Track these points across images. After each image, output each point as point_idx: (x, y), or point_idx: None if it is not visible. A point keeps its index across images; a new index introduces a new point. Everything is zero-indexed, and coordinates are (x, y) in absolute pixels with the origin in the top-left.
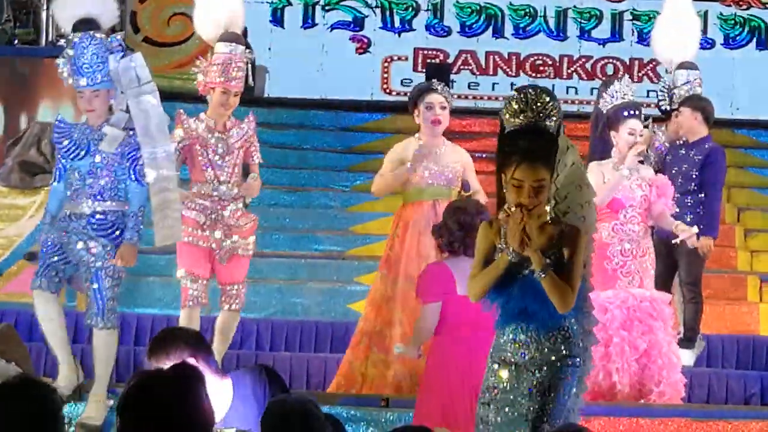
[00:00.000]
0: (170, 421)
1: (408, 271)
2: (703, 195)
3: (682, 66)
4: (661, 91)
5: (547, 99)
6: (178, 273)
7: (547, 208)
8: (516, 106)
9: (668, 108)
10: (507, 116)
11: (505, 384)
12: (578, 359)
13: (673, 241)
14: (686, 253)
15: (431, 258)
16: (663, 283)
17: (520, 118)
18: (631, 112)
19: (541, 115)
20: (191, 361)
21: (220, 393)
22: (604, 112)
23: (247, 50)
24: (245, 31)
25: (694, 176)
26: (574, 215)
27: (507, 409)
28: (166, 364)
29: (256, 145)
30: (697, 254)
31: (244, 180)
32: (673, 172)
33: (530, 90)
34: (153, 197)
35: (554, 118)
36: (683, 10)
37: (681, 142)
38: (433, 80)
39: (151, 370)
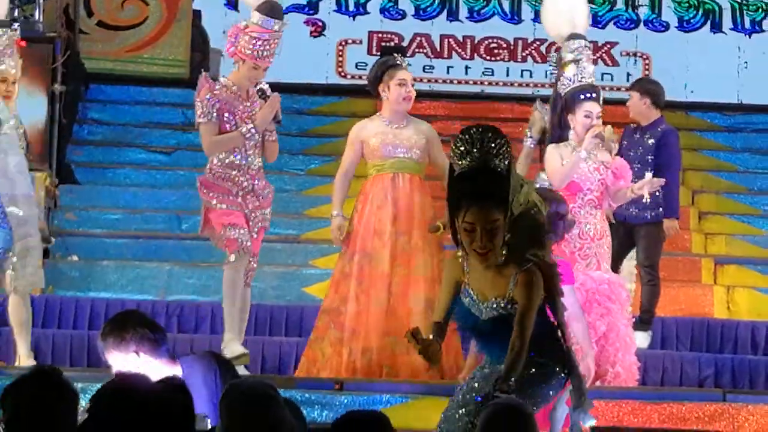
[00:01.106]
0: None
1: (364, 247)
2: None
3: (568, 37)
4: (551, 66)
5: (495, 138)
6: (219, 232)
7: (503, 251)
8: (462, 148)
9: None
10: (455, 158)
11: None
12: (553, 368)
13: (644, 199)
14: (645, 236)
15: (386, 234)
16: (613, 265)
17: (467, 159)
18: (588, 95)
19: (489, 154)
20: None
21: None
22: (562, 95)
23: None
24: (199, 14)
25: (649, 160)
26: (532, 254)
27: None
28: (120, 348)
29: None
30: (657, 237)
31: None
32: (630, 156)
33: (475, 130)
34: (16, 243)
35: (503, 157)
36: None
37: (634, 126)
38: (396, 56)
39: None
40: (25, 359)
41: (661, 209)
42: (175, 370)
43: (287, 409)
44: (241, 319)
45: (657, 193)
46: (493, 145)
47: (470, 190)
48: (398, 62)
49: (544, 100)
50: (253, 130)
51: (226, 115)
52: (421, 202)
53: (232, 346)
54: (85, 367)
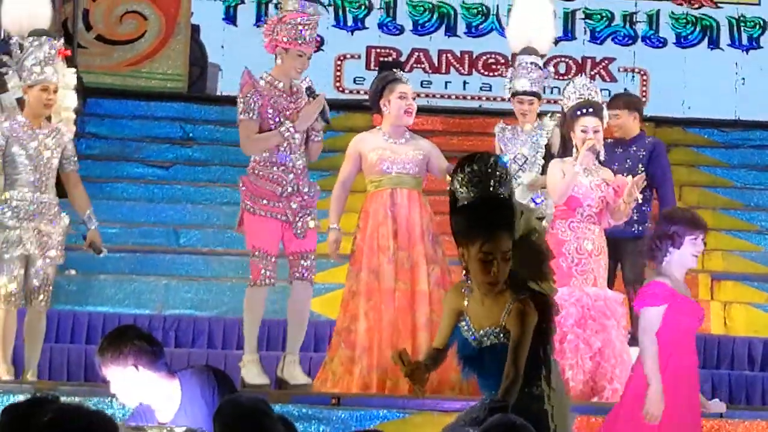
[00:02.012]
0: None
1: (370, 264)
2: (648, 191)
3: (522, 51)
4: (508, 80)
5: (497, 166)
6: (248, 246)
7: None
8: (468, 179)
9: (508, 97)
10: (459, 190)
11: None
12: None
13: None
14: (630, 252)
15: (390, 250)
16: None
17: (475, 190)
18: (584, 110)
19: (496, 184)
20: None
21: (168, 393)
22: (564, 112)
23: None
24: (198, 29)
25: (640, 172)
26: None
27: None
28: (118, 362)
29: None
30: (641, 253)
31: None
32: (614, 170)
33: (478, 160)
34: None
35: (507, 185)
36: (536, 5)
37: (612, 140)
38: (396, 70)
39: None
40: (32, 374)
41: (647, 224)
42: (173, 384)
43: (280, 424)
44: (293, 336)
45: (644, 208)
46: (498, 173)
47: (485, 220)
48: (398, 77)
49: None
50: (292, 129)
51: (270, 111)
52: (421, 216)
53: (249, 371)
54: (83, 382)
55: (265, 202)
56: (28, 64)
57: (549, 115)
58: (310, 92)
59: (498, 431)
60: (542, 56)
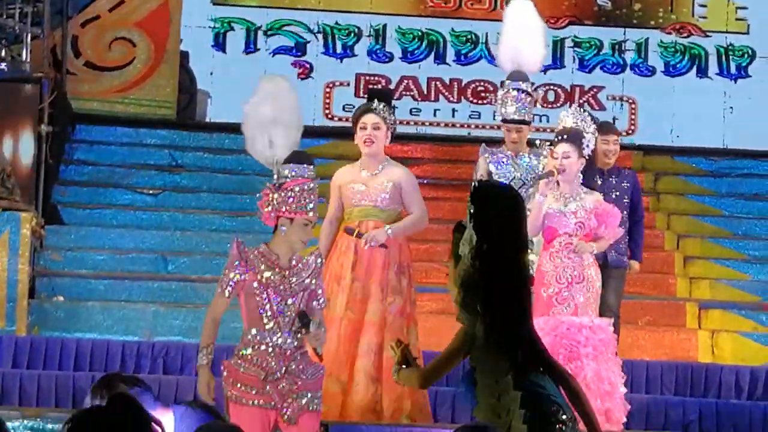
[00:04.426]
0: None
1: (325, 293)
2: (628, 222)
3: (510, 76)
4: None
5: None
6: None
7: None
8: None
9: (501, 121)
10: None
11: None
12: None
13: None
14: (616, 278)
15: (345, 280)
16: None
17: None
18: (559, 138)
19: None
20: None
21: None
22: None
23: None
24: (187, 55)
25: (626, 203)
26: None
27: None
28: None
29: (321, 285)
30: (623, 280)
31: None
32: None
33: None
34: None
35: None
36: (525, 24)
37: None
38: (373, 101)
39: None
40: None
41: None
42: (166, 417)
43: None
44: None
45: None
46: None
47: None
48: (367, 107)
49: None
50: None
51: (255, 285)
52: (387, 247)
53: None
54: (71, 409)
55: (245, 388)
56: None
57: (539, 142)
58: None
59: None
60: (532, 80)
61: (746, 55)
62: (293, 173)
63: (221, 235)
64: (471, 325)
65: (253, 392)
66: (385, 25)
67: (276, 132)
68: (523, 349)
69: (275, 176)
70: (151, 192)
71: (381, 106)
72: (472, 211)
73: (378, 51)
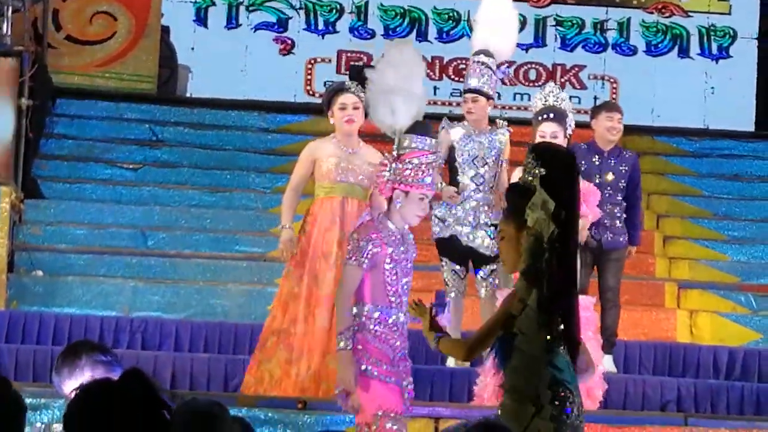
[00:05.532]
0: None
1: (313, 269)
2: (625, 204)
3: (476, 53)
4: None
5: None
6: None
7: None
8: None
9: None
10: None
11: None
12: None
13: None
14: (614, 260)
15: (332, 256)
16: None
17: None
18: (544, 116)
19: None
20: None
21: None
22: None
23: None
24: (168, 30)
25: (622, 186)
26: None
27: None
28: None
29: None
30: (623, 262)
31: None
32: (597, 182)
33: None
34: None
35: (534, 173)
36: (498, 18)
37: (585, 146)
38: (346, 81)
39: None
40: None
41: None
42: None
43: (238, 425)
44: None
45: (622, 218)
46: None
47: None
48: (344, 86)
49: (451, 118)
50: None
51: (388, 262)
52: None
53: None
54: (49, 383)
55: (385, 367)
56: None
57: (499, 122)
58: None
59: (477, 431)
60: (510, 63)
61: (728, 36)
62: (413, 144)
63: (201, 211)
64: (527, 293)
65: (385, 368)
66: (367, 2)
67: (397, 100)
68: (564, 322)
69: (395, 146)
70: (131, 167)
71: (355, 85)
72: (541, 173)
73: (360, 28)
